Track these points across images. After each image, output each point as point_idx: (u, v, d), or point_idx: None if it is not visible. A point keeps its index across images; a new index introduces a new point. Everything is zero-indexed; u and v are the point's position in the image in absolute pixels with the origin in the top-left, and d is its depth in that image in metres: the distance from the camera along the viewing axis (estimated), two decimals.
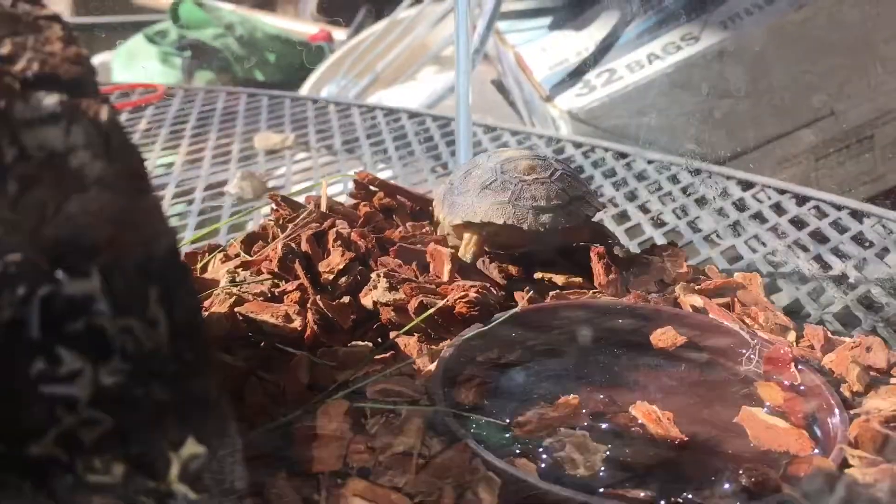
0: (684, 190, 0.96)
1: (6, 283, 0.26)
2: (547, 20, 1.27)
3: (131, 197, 0.29)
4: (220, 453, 0.29)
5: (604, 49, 1.17)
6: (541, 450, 0.45)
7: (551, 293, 0.58)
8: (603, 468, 0.44)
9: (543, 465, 0.44)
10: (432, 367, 0.51)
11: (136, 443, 0.27)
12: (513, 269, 0.61)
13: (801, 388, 0.49)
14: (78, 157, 0.29)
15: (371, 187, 0.74)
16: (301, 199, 0.74)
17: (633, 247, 0.82)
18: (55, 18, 0.34)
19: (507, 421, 0.48)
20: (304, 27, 2.21)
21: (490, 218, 0.62)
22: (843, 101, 1.17)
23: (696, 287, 0.60)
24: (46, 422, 0.26)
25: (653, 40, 1.15)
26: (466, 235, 0.64)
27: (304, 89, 1.71)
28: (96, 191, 0.29)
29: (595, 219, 0.68)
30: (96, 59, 2.37)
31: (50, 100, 0.30)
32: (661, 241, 0.83)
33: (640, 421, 0.47)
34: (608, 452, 0.44)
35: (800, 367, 0.50)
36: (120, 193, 0.29)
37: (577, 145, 1.09)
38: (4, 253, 0.27)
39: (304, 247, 0.61)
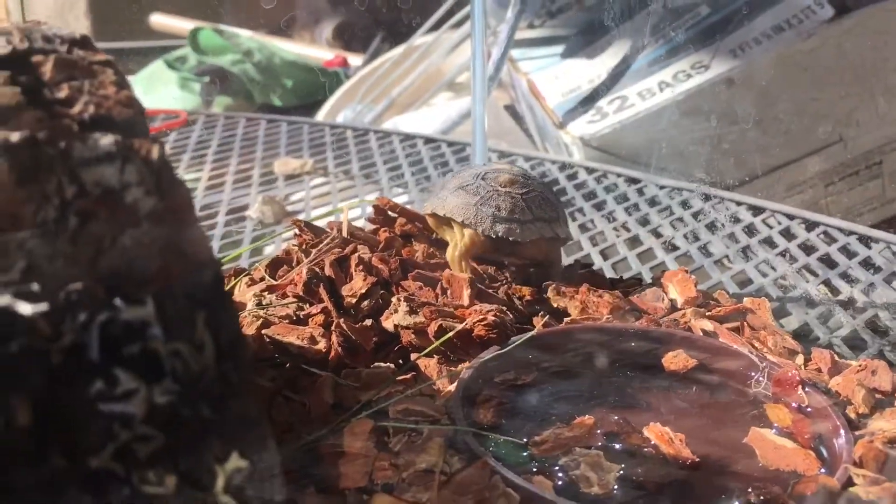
0: (695, 215, 0.98)
1: (68, 310, 0.29)
2: (560, 48, 1.30)
3: (180, 229, 0.32)
4: (260, 467, 0.31)
5: (615, 77, 1.20)
6: (557, 468, 0.47)
7: (566, 318, 0.60)
8: (616, 487, 0.45)
9: (560, 483, 0.46)
10: (452, 387, 0.53)
11: (185, 457, 0.29)
12: (526, 292, 0.64)
13: (809, 409, 0.51)
14: (132, 194, 0.32)
15: (390, 213, 0.76)
16: (323, 223, 0.77)
17: (646, 271, 0.84)
18: (108, 63, 0.36)
19: (525, 440, 0.49)
20: (320, 53, 2.25)
21: (452, 214, 0.67)
22: (852, 128, 1.19)
23: (707, 312, 0.62)
24: (105, 438, 0.28)
25: (664, 68, 1.18)
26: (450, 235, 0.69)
27: (321, 114, 1.74)
28: (148, 224, 0.31)
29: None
30: None
31: (105, 140, 0.32)
32: (672, 265, 0.85)
33: (652, 441, 0.49)
34: (622, 471, 0.46)
35: (807, 389, 0.52)
36: (170, 226, 0.32)
37: (590, 171, 1.12)
38: (66, 282, 0.29)
39: (328, 271, 0.63)
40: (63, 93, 0.34)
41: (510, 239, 0.66)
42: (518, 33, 1.33)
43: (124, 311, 0.29)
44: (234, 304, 0.32)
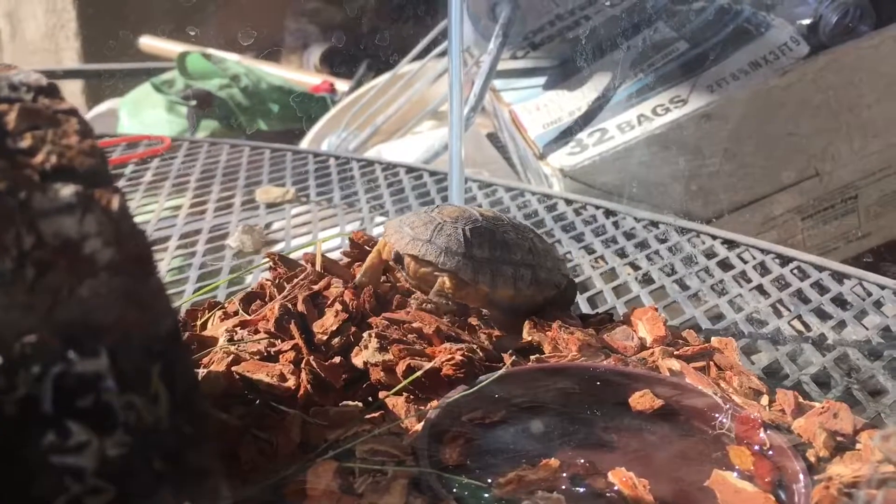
0: (671, 249, 0.99)
1: (22, 362, 0.29)
2: (541, 80, 1.32)
3: (138, 280, 0.32)
4: None
5: (596, 109, 1.21)
6: None
7: (533, 357, 0.61)
8: None
9: None
10: (419, 426, 0.54)
11: None
12: (496, 332, 0.64)
13: (770, 452, 0.52)
14: (90, 244, 0.32)
15: (366, 247, 0.77)
16: (300, 254, 0.77)
17: (621, 305, 0.85)
18: (72, 112, 0.37)
19: (490, 480, 0.50)
20: (307, 78, 2.27)
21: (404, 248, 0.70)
22: (828, 162, 1.21)
23: (675, 351, 0.63)
24: (56, 490, 0.29)
25: (643, 102, 1.19)
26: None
27: (306, 140, 1.75)
28: (106, 275, 0.32)
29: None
30: (104, 106, 2.43)
31: (66, 191, 0.33)
32: (647, 299, 0.86)
33: (616, 486, 0.49)
34: None
35: (769, 431, 0.52)
36: (127, 277, 0.32)
37: (569, 202, 1.13)
38: (21, 334, 0.29)
39: (301, 307, 0.64)
40: (26, 142, 0.34)
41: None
42: (501, 64, 1.34)
43: (78, 363, 0.29)
44: (190, 354, 0.32)
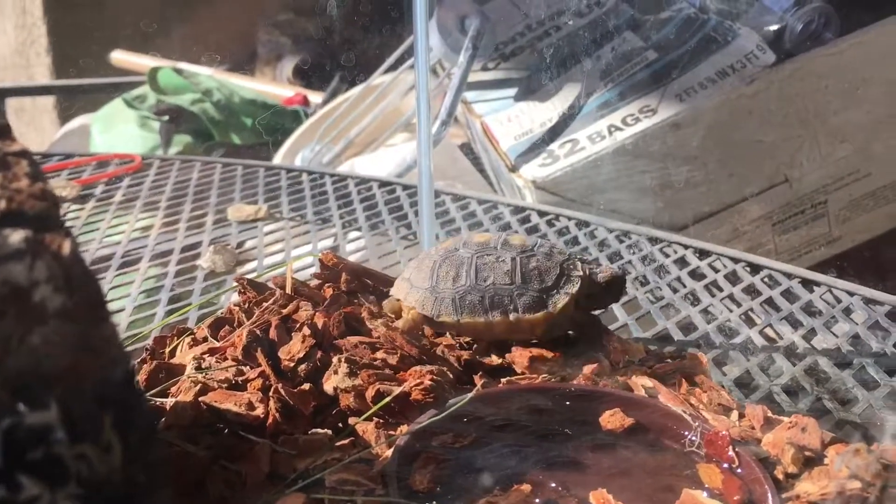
0: (643, 259, 0.99)
1: None
2: (512, 91, 1.32)
3: (90, 327, 0.32)
4: None
5: (566, 120, 1.21)
6: None
7: (503, 379, 0.61)
8: None
9: None
10: (389, 452, 0.53)
11: None
12: (466, 355, 0.64)
13: (739, 470, 0.52)
14: (40, 291, 0.31)
15: (336, 269, 0.76)
16: (276, 273, 0.77)
17: None
18: (23, 154, 0.36)
19: None
20: (280, 91, 2.26)
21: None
22: (796, 169, 1.22)
23: (646, 369, 0.63)
24: None
25: (612, 112, 1.20)
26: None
27: (280, 154, 1.74)
28: (56, 323, 0.31)
29: None
30: (76, 122, 2.41)
31: (15, 237, 0.32)
32: (619, 312, 0.86)
33: None
34: None
35: (737, 449, 0.52)
36: (79, 324, 0.32)
37: (542, 214, 1.13)
38: None
39: (272, 333, 0.63)
40: None
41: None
42: (472, 75, 1.35)
43: (28, 415, 0.29)
44: (145, 400, 0.32)
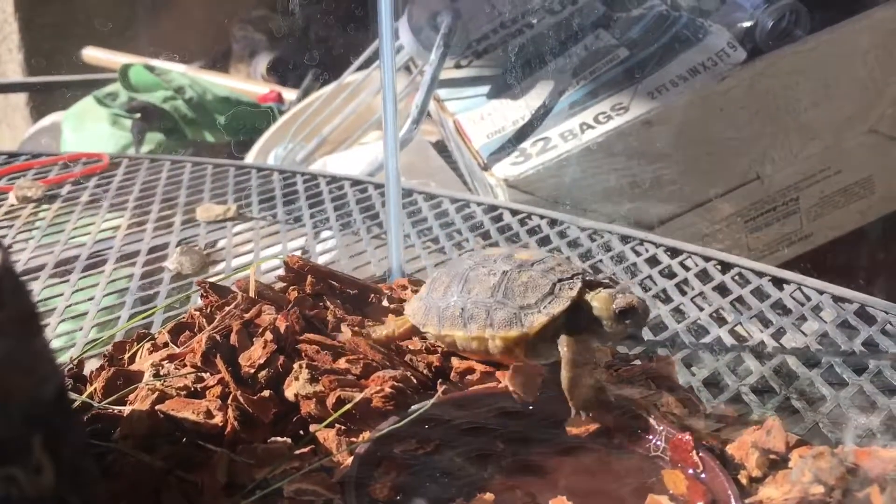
0: (615, 258, 0.99)
1: None
2: (485, 88, 1.31)
3: (20, 342, 0.30)
4: None
5: (538, 118, 1.21)
6: None
7: (468, 377, 0.60)
8: None
9: None
10: (350, 461, 0.52)
11: None
12: (436, 360, 0.63)
13: (703, 476, 0.51)
14: None
15: (301, 271, 0.75)
16: (242, 275, 0.75)
17: None
18: None
19: None
20: (254, 88, 2.24)
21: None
22: (768, 165, 1.22)
23: (614, 373, 0.62)
24: None
25: (585, 110, 1.19)
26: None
27: (253, 152, 1.73)
28: None
29: None
30: (47, 120, 2.38)
31: None
32: None
33: None
34: None
35: (701, 454, 0.52)
36: (9, 339, 0.30)
37: (514, 212, 1.12)
38: None
39: (233, 339, 0.62)
40: None
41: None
42: (445, 73, 1.34)
43: None
44: (77, 418, 0.31)
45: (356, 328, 0.66)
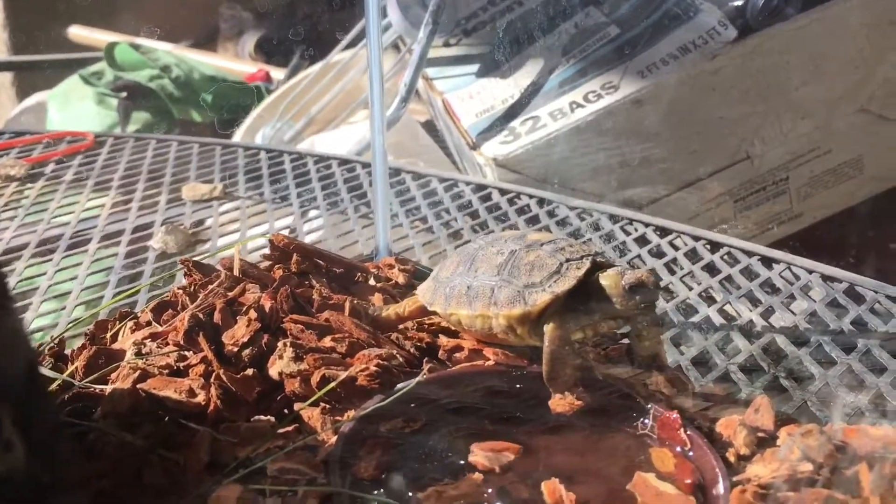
0: (604, 237, 0.98)
1: None
2: (474, 67, 1.30)
3: None
4: None
5: (528, 97, 1.19)
6: None
7: (456, 355, 0.59)
8: None
9: None
10: (334, 439, 0.52)
11: None
12: (427, 338, 0.62)
13: (691, 453, 0.51)
14: None
15: (287, 249, 0.74)
16: (227, 254, 0.75)
17: None
18: None
19: (409, 493, 0.48)
20: (242, 67, 2.21)
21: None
22: (758, 145, 1.22)
23: (601, 351, 0.62)
24: None
25: (574, 89, 1.18)
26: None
27: (241, 132, 1.71)
28: None
29: None
30: (32, 99, 2.35)
31: None
32: None
33: (544, 499, 0.48)
34: None
35: (689, 432, 0.52)
36: None
37: (503, 192, 1.11)
38: None
39: (217, 317, 0.61)
40: None
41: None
42: (433, 51, 1.32)
43: None
44: (49, 396, 0.30)
45: (356, 303, 0.65)
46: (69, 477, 0.28)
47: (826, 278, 0.85)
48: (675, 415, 0.52)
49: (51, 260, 0.96)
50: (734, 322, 0.79)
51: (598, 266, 0.59)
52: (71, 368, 0.60)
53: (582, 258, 0.59)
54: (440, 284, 0.63)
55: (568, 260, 0.59)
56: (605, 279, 0.57)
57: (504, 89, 1.23)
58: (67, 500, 0.29)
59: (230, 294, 0.65)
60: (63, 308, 0.85)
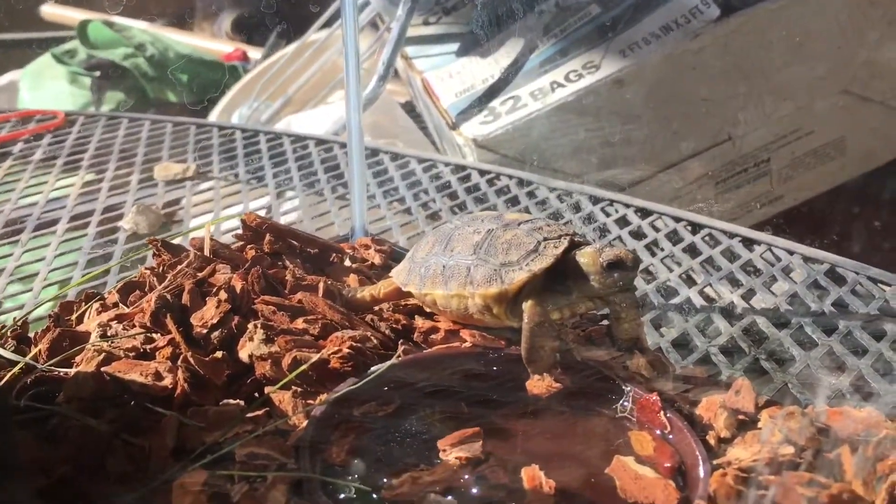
0: (584, 218, 0.97)
1: None
2: (454, 46, 1.28)
3: None
4: None
5: (508, 76, 1.18)
6: None
7: (432, 336, 0.58)
8: None
9: None
10: (306, 424, 0.50)
11: None
12: (403, 319, 0.61)
13: (671, 436, 0.50)
14: None
15: (259, 229, 0.72)
16: (199, 234, 0.72)
17: None
18: None
19: (384, 479, 0.47)
20: (219, 46, 2.18)
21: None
22: (740, 126, 1.21)
23: (580, 332, 0.60)
24: None
25: (555, 68, 1.17)
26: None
27: (216, 112, 1.68)
28: None
29: None
30: (4, 79, 2.30)
31: None
32: None
33: (523, 485, 0.46)
34: None
35: (669, 415, 0.50)
36: None
37: (483, 173, 1.09)
38: None
39: (185, 298, 0.59)
40: None
41: None
42: (413, 30, 1.30)
43: None
44: None
45: (330, 284, 0.64)
46: (13, 465, 0.27)
47: (807, 259, 0.84)
48: (654, 397, 0.51)
49: (18, 241, 0.94)
50: (715, 304, 0.78)
51: (575, 245, 0.58)
52: (34, 351, 0.58)
53: (560, 237, 0.58)
54: (415, 265, 0.61)
55: (546, 239, 0.58)
56: (583, 256, 0.56)
57: (484, 68, 1.21)
58: (12, 489, 0.27)
59: (200, 275, 0.63)
60: (30, 290, 0.82)
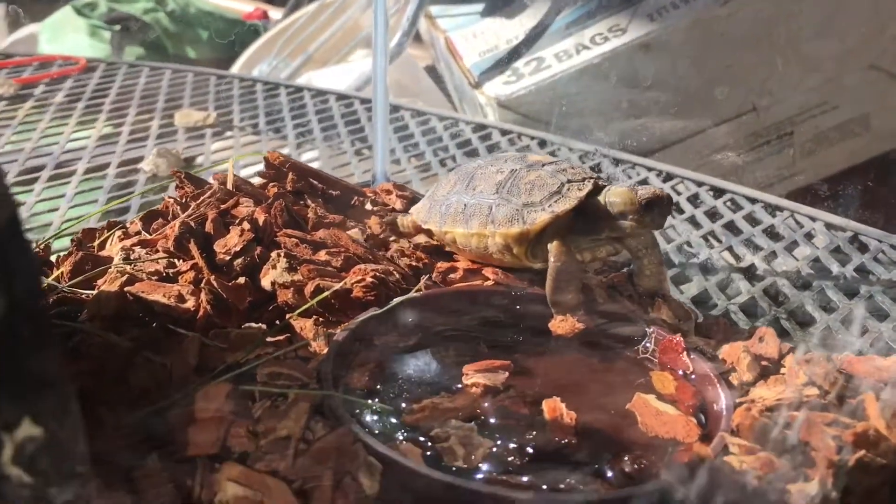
0: (606, 180, 0.96)
1: None
2: (479, 6, 1.26)
3: None
4: (58, 436, 0.27)
5: (533, 37, 1.17)
6: (424, 439, 0.44)
7: (451, 276, 0.57)
8: (487, 462, 0.43)
9: (429, 453, 0.43)
10: (327, 349, 0.50)
11: None
12: (425, 258, 0.60)
13: (693, 376, 0.50)
14: None
15: (282, 168, 0.72)
16: (210, 175, 0.72)
17: None
18: None
19: (404, 405, 0.47)
20: (239, 5, 2.16)
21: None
22: (765, 96, 1.19)
23: (604, 279, 0.60)
24: None
25: (581, 30, 1.16)
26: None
27: (235, 68, 1.67)
28: None
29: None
30: (24, 31, 2.29)
31: None
32: None
33: (544, 416, 0.46)
34: (495, 448, 0.44)
35: (692, 356, 0.50)
36: None
37: (504, 132, 1.09)
38: None
39: (209, 227, 0.59)
40: None
41: None
42: None
43: None
44: (31, 249, 0.28)
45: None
46: (48, 333, 0.27)
47: (830, 227, 0.83)
48: (677, 338, 0.51)
49: (39, 178, 0.94)
50: (736, 265, 0.78)
51: (599, 189, 0.57)
52: (56, 273, 0.58)
53: (584, 180, 0.57)
54: (436, 203, 0.61)
55: (570, 181, 0.57)
56: (616, 196, 0.55)
57: (509, 29, 1.20)
58: (49, 358, 0.27)
59: (223, 206, 0.62)
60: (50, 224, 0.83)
